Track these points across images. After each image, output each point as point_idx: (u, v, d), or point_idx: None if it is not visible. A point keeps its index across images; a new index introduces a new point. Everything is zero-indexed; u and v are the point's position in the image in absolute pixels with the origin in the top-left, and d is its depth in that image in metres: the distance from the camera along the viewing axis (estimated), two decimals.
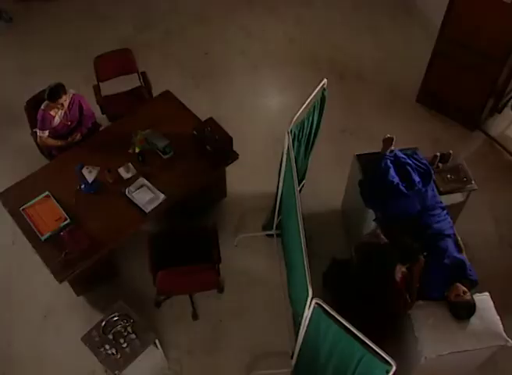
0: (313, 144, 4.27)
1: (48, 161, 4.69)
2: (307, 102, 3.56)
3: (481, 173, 4.86)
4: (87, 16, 6.60)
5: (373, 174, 4.21)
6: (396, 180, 4.07)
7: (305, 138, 4.01)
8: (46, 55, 6.17)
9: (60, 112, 4.54)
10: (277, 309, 4.41)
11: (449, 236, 3.92)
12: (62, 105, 4.46)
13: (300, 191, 4.38)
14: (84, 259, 3.99)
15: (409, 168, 4.15)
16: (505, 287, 4.57)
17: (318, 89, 3.71)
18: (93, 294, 4.52)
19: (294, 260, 3.61)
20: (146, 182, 4.33)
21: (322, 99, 3.90)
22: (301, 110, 3.55)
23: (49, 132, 4.58)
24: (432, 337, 3.55)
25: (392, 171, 4.10)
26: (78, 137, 4.73)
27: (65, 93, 4.41)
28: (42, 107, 4.47)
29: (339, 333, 2.96)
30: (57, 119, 4.55)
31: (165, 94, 4.94)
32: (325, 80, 3.76)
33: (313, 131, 4.10)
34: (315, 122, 4.02)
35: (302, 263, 3.10)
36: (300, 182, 4.41)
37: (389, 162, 4.14)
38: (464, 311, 3.63)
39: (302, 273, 3.11)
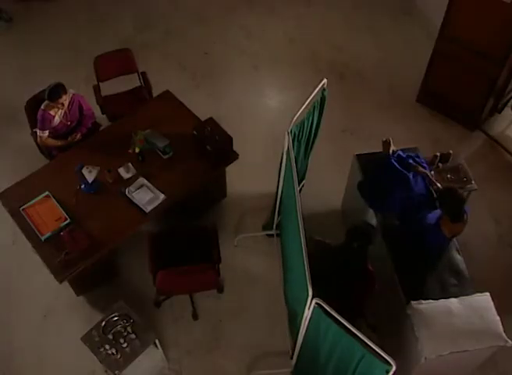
0: (313, 144, 4.27)
1: (48, 161, 4.69)
2: (307, 102, 3.55)
3: (481, 173, 4.86)
4: (87, 16, 6.60)
5: (374, 174, 4.21)
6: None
7: (305, 138, 4.01)
8: (46, 55, 6.16)
9: (60, 112, 4.54)
10: (277, 309, 4.40)
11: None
12: (62, 104, 4.46)
13: (300, 191, 4.38)
14: (84, 259, 3.99)
15: None
16: (505, 287, 4.57)
17: (318, 89, 3.71)
18: (93, 294, 4.52)
19: (294, 260, 3.60)
20: (146, 182, 4.33)
21: (322, 99, 3.90)
22: (301, 110, 3.55)
23: (49, 132, 4.58)
24: (432, 337, 3.54)
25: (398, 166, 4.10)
26: (78, 137, 4.73)
27: (65, 93, 4.41)
28: (42, 107, 4.48)
29: (339, 333, 2.96)
30: (57, 119, 4.55)
31: (165, 94, 4.94)
32: (325, 80, 3.75)
33: (313, 131, 4.10)
34: (315, 122, 4.02)
35: (302, 263, 3.10)
36: (300, 182, 4.40)
37: (393, 160, 4.14)
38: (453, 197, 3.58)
39: (302, 273, 3.11)
